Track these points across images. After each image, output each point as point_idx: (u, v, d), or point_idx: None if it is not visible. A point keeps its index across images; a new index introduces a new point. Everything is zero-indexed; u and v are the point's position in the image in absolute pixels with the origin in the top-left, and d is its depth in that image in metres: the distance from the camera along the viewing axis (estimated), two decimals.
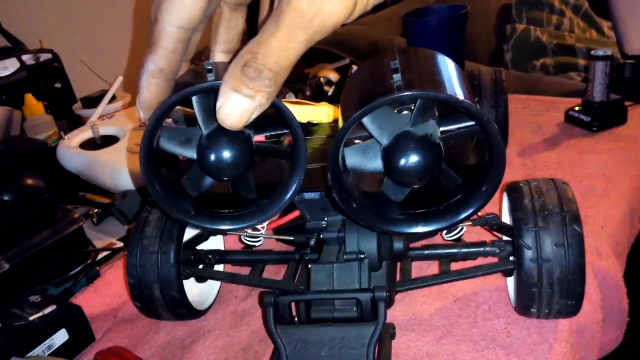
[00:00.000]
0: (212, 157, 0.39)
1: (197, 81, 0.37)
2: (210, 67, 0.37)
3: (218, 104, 0.32)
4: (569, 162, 0.76)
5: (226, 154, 0.39)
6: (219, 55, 0.42)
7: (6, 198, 0.64)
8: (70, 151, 0.86)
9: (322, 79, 1.10)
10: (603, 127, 0.83)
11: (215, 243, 0.61)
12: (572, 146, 0.81)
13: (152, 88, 0.36)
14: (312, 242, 0.50)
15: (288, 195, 0.42)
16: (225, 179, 0.41)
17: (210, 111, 0.40)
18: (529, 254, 0.44)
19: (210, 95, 0.39)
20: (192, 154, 0.41)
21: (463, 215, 0.40)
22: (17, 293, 0.60)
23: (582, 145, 0.80)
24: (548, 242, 0.43)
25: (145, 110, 0.37)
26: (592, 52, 0.82)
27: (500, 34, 1.75)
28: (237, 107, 0.31)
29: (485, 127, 0.36)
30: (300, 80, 1.11)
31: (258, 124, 0.40)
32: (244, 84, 0.31)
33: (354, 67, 1.19)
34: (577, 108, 0.86)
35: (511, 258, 0.48)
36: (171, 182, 0.43)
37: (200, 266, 0.56)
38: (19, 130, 1.01)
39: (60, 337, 0.54)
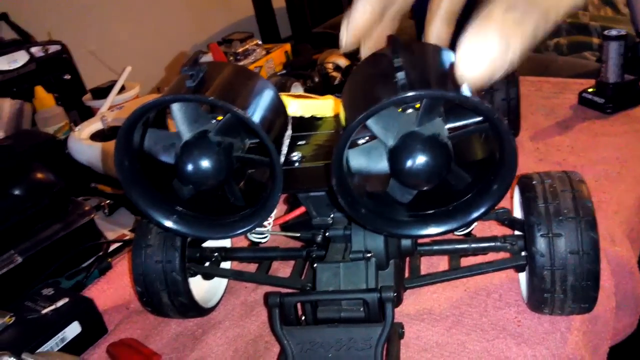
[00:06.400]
0: (188, 167, 0.39)
1: (179, 89, 0.37)
2: (191, 73, 0.36)
3: (462, 53, 0.28)
4: (582, 146, 0.75)
5: (202, 165, 0.39)
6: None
7: (17, 193, 0.64)
8: (81, 143, 0.86)
9: (330, 66, 1.09)
10: (617, 109, 0.81)
11: (221, 240, 0.61)
12: (585, 129, 0.79)
13: (367, 15, 0.34)
14: (319, 238, 0.49)
15: (266, 212, 0.41)
16: (204, 188, 0.41)
17: (191, 119, 0.40)
18: (542, 260, 0.42)
19: (191, 103, 0.39)
20: (173, 159, 0.41)
21: (474, 216, 0.39)
22: (30, 286, 0.61)
23: (595, 128, 0.79)
24: (562, 249, 0.41)
25: (351, 35, 0.35)
26: (606, 32, 0.80)
27: None
28: (486, 54, 0.27)
29: (496, 125, 0.35)
30: (309, 66, 1.10)
31: (251, 131, 0.40)
32: (505, 26, 0.26)
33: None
34: (590, 90, 0.84)
35: (523, 253, 0.47)
36: (158, 184, 0.43)
37: (207, 263, 0.56)
38: (30, 123, 1.02)
39: (73, 329, 0.54)
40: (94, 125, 0.91)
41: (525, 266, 0.46)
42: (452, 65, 0.33)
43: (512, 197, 0.53)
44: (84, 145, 0.86)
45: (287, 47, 1.17)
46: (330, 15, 1.62)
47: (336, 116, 0.58)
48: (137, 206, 0.42)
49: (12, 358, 0.48)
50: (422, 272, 0.51)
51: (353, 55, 1.16)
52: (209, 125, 0.40)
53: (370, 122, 0.36)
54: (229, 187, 0.43)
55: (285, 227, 0.56)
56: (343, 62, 1.11)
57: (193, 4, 1.72)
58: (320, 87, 0.99)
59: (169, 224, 0.43)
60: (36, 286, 0.60)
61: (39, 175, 0.67)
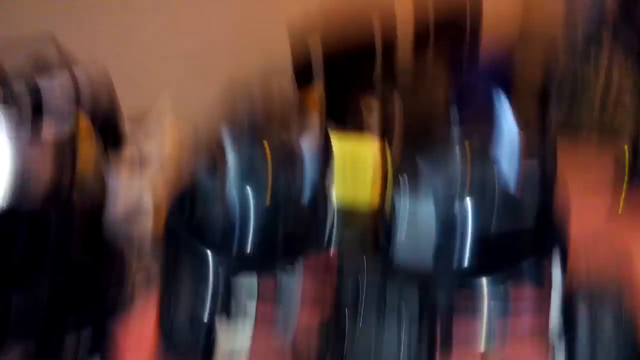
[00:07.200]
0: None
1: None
2: None
3: None
4: None
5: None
6: None
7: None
8: None
9: (363, 106, 1.10)
10: None
11: None
12: None
13: None
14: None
15: None
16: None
17: None
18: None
19: None
20: None
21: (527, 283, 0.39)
22: None
23: None
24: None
25: None
26: None
27: None
28: None
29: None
30: (342, 105, 1.10)
31: None
32: None
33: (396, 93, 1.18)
34: None
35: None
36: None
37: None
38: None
39: None
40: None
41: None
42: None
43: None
44: None
45: (321, 88, 1.19)
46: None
47: (370, 209, 0.57)
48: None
49: None
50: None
51: (385, 95, 1.17)
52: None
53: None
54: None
55: None
56: (375, 103, 1.12)
57: (229, 40, 1.75)
58: (354, 128, 0.99)
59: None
60: None
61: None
